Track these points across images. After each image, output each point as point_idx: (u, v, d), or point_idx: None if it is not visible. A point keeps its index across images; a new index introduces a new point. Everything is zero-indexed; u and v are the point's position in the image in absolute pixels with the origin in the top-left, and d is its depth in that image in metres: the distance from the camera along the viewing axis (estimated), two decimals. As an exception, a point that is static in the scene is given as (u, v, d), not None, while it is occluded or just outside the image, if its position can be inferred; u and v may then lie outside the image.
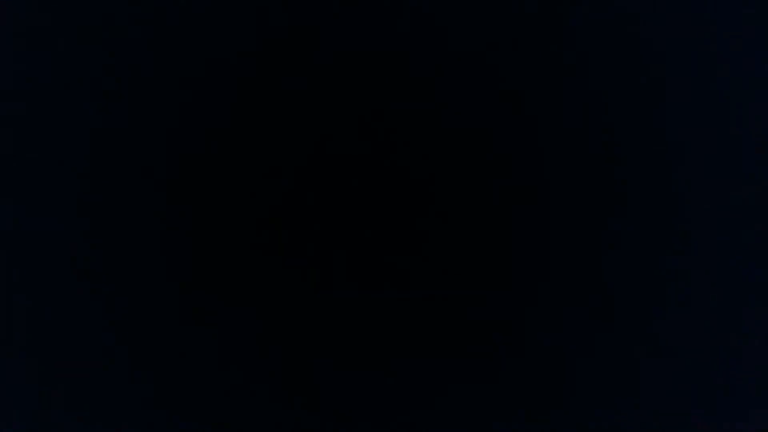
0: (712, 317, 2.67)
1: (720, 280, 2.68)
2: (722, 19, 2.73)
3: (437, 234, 2.69)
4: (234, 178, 2.70)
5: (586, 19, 2.72)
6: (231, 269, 2.68)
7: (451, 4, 2.73)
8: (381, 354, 2.66)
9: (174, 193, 2.69)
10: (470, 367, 2.66)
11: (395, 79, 2.72)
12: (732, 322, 2.67)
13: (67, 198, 2.68)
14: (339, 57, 2.72)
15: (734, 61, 2.73)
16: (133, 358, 2.65)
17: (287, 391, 2.65)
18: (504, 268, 2.68)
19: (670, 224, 2.70)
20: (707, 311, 2.68)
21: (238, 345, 2.66)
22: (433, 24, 2.73)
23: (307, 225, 2.70)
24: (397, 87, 2.72)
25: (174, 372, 2.65)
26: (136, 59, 2.72)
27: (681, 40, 2.73)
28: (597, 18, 2.72)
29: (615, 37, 2.73)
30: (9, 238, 2.68)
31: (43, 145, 2.70)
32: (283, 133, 2.71)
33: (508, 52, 2.72)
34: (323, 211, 2.70)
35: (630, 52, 2.73)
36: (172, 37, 2.69)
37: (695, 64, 2.73)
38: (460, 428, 2.64)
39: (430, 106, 2.71)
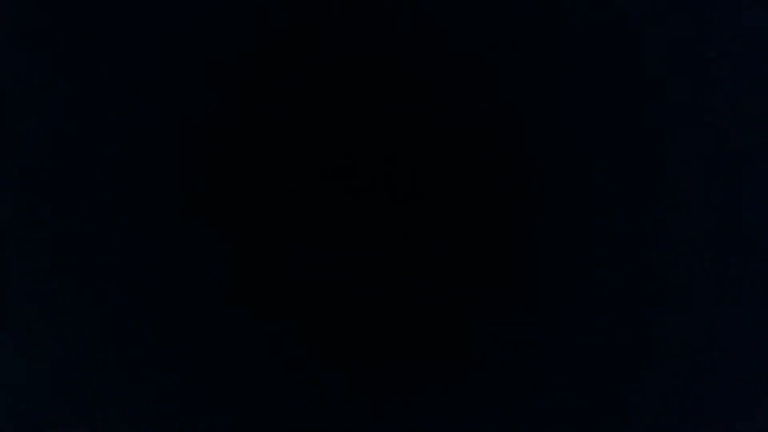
0: (712, 317, 2.68)
1: (720, 279, 2.68)
2: (721, 19, 2.73)
3: (435, 234, 2.69)
4: (234, 178, 2.70)
5: (586, 19, 2.72)
6: (230, 269, 2.69)
7: (451, 3, 2.73)
8: (378, 354, 2.66)
9: (173, 193, 2.69)
10: (467, 368, 2.66)
11: (395, 79, 2.72)
12: (732, 322, 2.68)
13: (62, 199, 2.69)
14: (339, 57, 2.73)
15: (733, 62, 2.73)
16: (133, 359, 2.66)
17: (285, 392, 2.66)
18: (502, 268, 2.68)
19: (670, 224, 2.70)
20: (707, 310, 2.68)
21: (237, 345, 2.66)
22: (433, 24, 2.73)
23: (304, 225, 2.70)
24: (397, 87, 2.72)
25: (174, 372, 2.65)
26: (137, 59, 2.72)
27: (679, 40, 2.73)
28: (596, 18, 2.73)
29: (613, 37, 2.73)
30: (10, 239, 2.68)
31: (42, 144, 2.70)
32: (283, 133, 2.72)
33: (506, 52, 2.72)
34: (321, 210, 2.70)
35: (629, 53, 2.73)
36: (172, 36, 2.69)
37: (692, 65, 2.73)
38: (457, 428, 2.65)
39: (429, 106, 2.71)
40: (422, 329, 2.67)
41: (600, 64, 2.73)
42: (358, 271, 2.68)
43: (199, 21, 2.73)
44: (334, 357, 2.66)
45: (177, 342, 2.66)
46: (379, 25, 2.73)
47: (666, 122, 2.72)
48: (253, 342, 2.67)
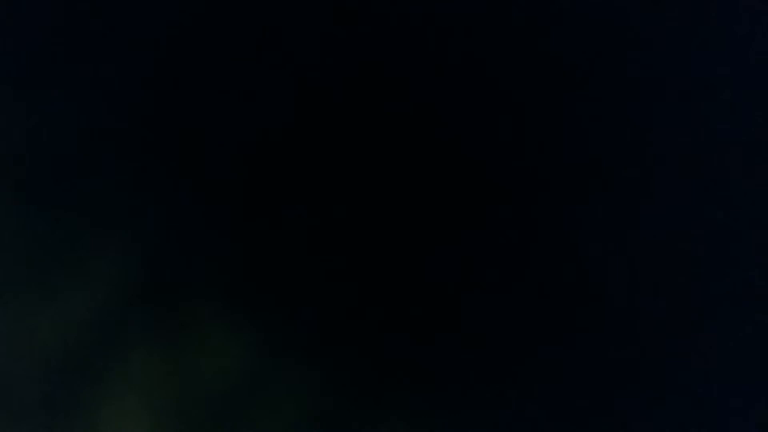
0: (709, 317, 2.68)
1: (719, 278, 2.68)
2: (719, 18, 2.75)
3: (431, 232, 2.70)
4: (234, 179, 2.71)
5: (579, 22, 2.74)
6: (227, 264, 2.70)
7: (449, 7, 2.74)
8: (371, 352, 2.66)
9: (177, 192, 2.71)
10: (461, 367, 2.66)
11: (393, 81, 2.74)
12: (731, 323, 2.67)
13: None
14: (339, 58, 2.74)
15: (731, 62, 2.74)
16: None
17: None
18: (497, 266, 2.69)
19: (666, 225, 2.71)
20: (703, 310, 2.68)
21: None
22: (430, 29, 2.75)
23: (303, 226, 2.71)
24: (395, 89, 2.73)
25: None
26: (140, 58, 2.74)
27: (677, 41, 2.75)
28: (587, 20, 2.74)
29: (606, 39, 2.74)
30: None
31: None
32: (285, 136, 2.73)
33: (500, 55, 2.74)
34: (322, 210, 2.71)
35: (622, 54, 2.74)
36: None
37: (689, 65, 2.74)
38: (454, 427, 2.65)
39: (426, 106, 2.73)
40: (417, 324, 2.67)
41: (597, 64, 2.74)
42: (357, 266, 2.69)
43: (199, 21, 2.75)
44: (325, 354, 2.66)
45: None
46: (379, 27, 2.74)
47: (662, 123, 2.73)
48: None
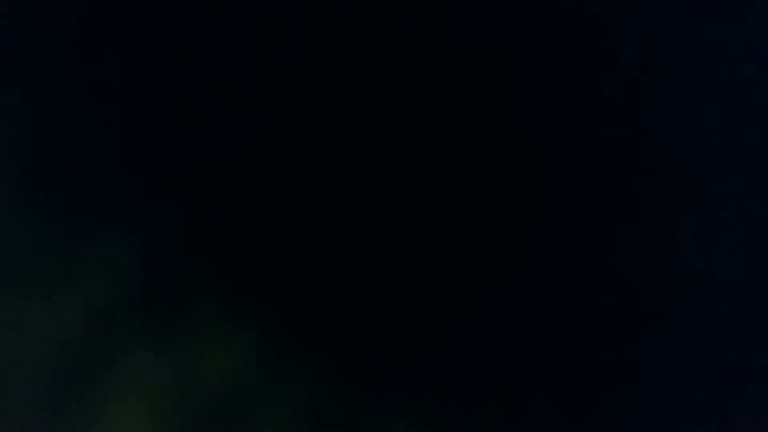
0: (707, 318, 2.68)
1: (717, 279, 2.68)
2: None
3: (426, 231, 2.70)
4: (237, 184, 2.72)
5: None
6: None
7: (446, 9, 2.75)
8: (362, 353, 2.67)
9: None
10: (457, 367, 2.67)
11: (392, 79, 2.74)
12: (732, 324, 2.67)
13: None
14: (340, 56, 2.74)
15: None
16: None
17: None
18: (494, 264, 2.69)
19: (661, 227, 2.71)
20: (700, 311, 2.68)
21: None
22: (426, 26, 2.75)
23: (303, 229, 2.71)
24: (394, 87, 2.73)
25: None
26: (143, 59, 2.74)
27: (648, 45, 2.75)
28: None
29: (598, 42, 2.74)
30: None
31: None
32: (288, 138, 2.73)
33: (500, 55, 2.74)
34: (322, 210, 2.71)
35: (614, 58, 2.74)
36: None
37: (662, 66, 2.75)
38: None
39: (421, 105, 2.73)
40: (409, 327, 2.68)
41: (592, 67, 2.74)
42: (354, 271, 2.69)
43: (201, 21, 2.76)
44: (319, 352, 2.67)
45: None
46: (377, 25, 2.74)
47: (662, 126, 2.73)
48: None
